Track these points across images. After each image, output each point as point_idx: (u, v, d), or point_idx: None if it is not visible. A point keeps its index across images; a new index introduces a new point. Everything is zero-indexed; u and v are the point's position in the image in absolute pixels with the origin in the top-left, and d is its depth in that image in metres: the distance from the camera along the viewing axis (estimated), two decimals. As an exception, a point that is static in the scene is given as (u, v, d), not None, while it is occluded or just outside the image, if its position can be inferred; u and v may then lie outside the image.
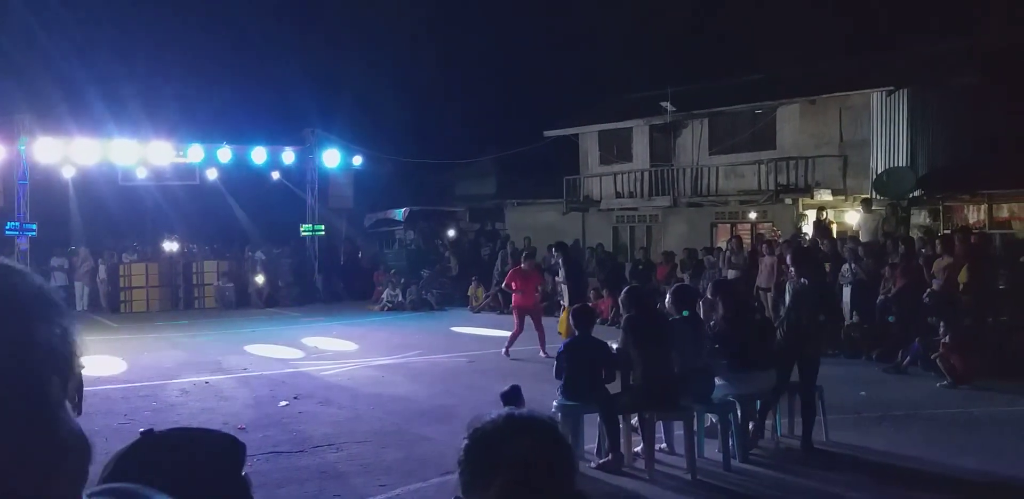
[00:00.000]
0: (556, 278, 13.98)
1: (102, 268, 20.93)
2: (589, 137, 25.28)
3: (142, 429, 1.50)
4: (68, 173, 20.66)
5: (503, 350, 13.00)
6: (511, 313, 13.99)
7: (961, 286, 11.69)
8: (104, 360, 12.77)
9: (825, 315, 7.59)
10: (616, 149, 24.61)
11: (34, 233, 19.38)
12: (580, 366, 7.08)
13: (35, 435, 0.89)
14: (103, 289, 21.00)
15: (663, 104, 22.21)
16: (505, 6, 32.57)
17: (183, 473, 1.43)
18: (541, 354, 12.68)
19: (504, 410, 1.54)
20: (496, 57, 33.37)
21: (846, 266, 13.59)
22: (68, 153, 19.30)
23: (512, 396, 6.92)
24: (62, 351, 0.93)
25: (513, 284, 13.31)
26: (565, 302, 13.42)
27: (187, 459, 1.45)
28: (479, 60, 33.78)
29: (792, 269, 7.63)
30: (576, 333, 12.24)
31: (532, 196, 26.18)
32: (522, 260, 13.97)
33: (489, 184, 29.27)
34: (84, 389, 10.25)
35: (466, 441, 1.49)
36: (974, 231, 14.81)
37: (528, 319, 13.10)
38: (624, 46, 31.30)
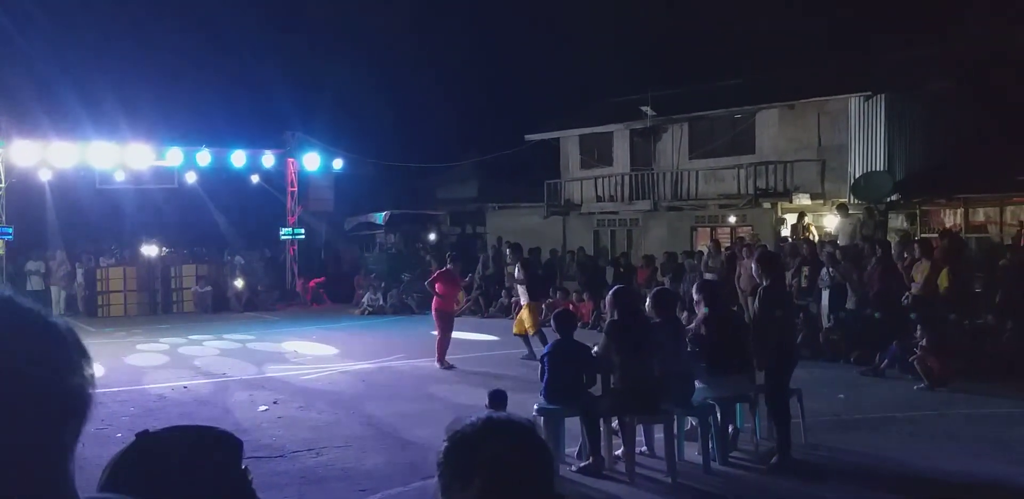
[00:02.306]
0: (515, 277, 13.64)
1: (79, 272, 20.74)
2: (570, 141, 25.34)
3: (138, 431, 1.49)
4: (45, 176, 20.49)
5: (438, 364, 12.23)
6: (498, 316, 13.90)
7: (941, 289, 11.79)
8: (81, 365, 12.64)
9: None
10: (597, 153, 24.68)
11: (10, 237, 19.19)
12: (562, 370, 7.09)
13: (44, 487, 0.93)
14: (80, 293, 20.80)
15: (643, 108, 22.30)
16: (487, 11, 32.61)
17: (183, 472, 1.42)
18: (444, 365, 12.22)
19: (483, 413, 1.54)
20: (478, 61, 33.40)
21: (824, 270, 13.69)
22: (45, 156, 19.13)
23: (497, 399, 6.97)
24: (85, 396, 0.98)
25: (438, 286, 12.46)
26: (523, 301, 13.11)
27: (186, 458, 1.45)
28: (461, 64, 33.80)
29: (757, 271, 7.57)
30: (534, 331, 12.40)
31: (513, 200, 26.20)
32: (448, 262, 13.20)
33: (470, 188, 29.25)
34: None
35: (445, 444, 1.49)
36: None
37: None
38: (605, 51, 31.40)
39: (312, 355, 14.01)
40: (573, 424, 7.09)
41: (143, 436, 1.48)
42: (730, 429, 7.53)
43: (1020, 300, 11.55)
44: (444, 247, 25.34)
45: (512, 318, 14.35)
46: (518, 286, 13.53)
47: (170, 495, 1.37)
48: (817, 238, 17.45)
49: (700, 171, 21.76)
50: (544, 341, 12.22)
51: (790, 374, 7.28)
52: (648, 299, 7.61)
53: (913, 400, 9.82)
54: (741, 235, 19.75)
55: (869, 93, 18.41)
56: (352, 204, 27.10)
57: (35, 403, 0.93)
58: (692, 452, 7.15)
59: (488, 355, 13.21)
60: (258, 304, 21.65)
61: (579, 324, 10.54)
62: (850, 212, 16.92)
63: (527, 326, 12.67)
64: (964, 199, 17.08)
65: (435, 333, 12.51)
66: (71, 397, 0.98)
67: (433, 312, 12.54)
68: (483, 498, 1.43)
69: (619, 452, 6.99)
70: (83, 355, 1.02)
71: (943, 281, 11.78)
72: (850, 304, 12.90)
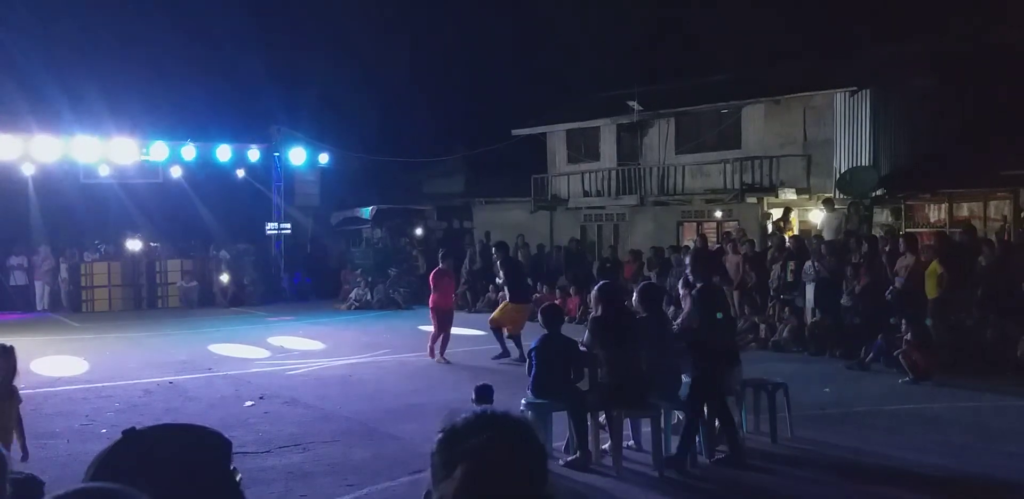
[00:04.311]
0: (497, 279, 13.82)
1: (63, 267, 20.60)
2: (557, 136, 25.33)
3: (124, 428, 1.48)
4: (28, 170, 20.32)
5: (434, 358, 12.46)
6: (485, 311, 13.93)
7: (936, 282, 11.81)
8: (65, 360, 12.59)
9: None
10: (584, 148, 24.68)
11: (-7, 232, 19.04)
12: (549, 364, 7.10)
13: None
14: (64, 288, 20.66)
15: (630, 103, 22.31)
16: (473, 5, 32.53)
17: (170, 470, 1.41)
18: (437, 359, 12.42)
19: (479, 407, 1.54)
20: (464, 55, 33.30)
21: (808, 263, 13.74)
22: (28, 150, 18.99)
23: (484, 393, 6.97)
24: None
25: (434, 284, 12.83)
26: (504, 299, 13.23)
27: (173, 455, 1.43)
28: (447, 58, 33.68)
29: (689, 270, 7.43)
30: (512, 332, 12.48)
31: (500, 194, 26.18)
32: (440, 260, 13.46)
33: (457, 182, 29.20)
34: (44, 390, 10.10)
35: (439, 435, 1.49)
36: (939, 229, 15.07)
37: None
38: (591, 46, 31.36)
39: (298, 350, 13.97)
40: (561, 419, 7.10)
41: (130, 433, 1.46)
42: (716, 423, 7.54)
43: (1002, 295, 11.63)
44: (431, 242, 25.29)
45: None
46: (504, 285, 13.65)
47: (156, 494, 1.36)
48: (797, 232, 17.54)
49: (686, 166, 21.80)
50: (518, 345, 12.33)
51: (719, 379, 7.09)
52: (635, 294, 7.62)
53: (898, 394, 9.89)
54: (727, 230, 19.80)
55: (854, 89, 18.47)
56: (338, 199, 26.99)
57: None
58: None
59: (475, 350, 13.20)
60: (244, 299, 21.57)
61: (566, 319, 10.55)
62: (835, 207, 16.99)
63: (502, 321, 12.70)
64: (948, 194, 17.17)
65: (430, 329, 12.80)
66: None
67: (430, 310, 12.80)
68: (464, 486, 1.42)
69: (606, 446, 7.01)
70: None
71: (933, 274, 11.80)
72: (845, 301, 12.93)
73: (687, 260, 7.83)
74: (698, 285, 7.30)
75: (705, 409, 7.26)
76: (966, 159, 16.53)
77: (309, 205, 25.68)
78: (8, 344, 5.66)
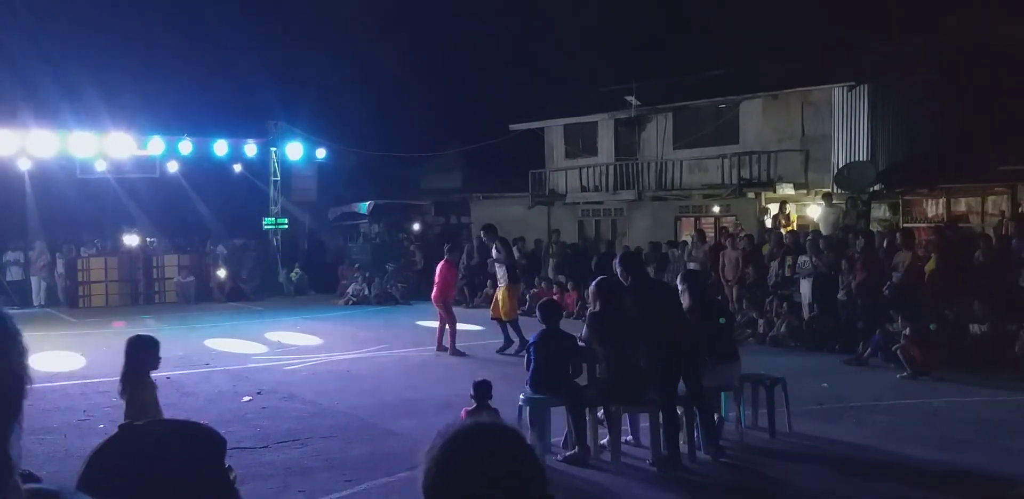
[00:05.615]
0: (495, 262, 13.71)
1: (60, 262, 20.56)
2: (554, 131, 25.30)
3: (121, 423, 1.47)
4: (24, 165, 20.29)
5: (448, 351, 12.54)
6: (483, 306, 13.95)
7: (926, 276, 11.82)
8: (62, 355, 12.56)
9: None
10: (581, 143, 24.65)
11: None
12: (548, 359, 7.09)
13: None
14: (61, 284, 20.63)
15: (628, 98, 22.27)
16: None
17: (164, 464, 1.40)
18: (451, 351, 12.50)
19: (457, 432, 1.42)
20: (461, 50, 33.23)
21: (803, 258, 13.72)
22: (24, 145, 18.94)
23: (482, 389, 6.96)
24: (23, 380, 0.99)
25: (440, 277, 12.98)
26: (503, 283, 13.08)
27: (167, 451, 1.42)
28: (444, 53, 33.60)
29: (619, 271, 7.30)
30: (508, 317, 12.51)
31: (498, 190, 26.14)
32: (447, 253, 13.64)
33: (454, 178, 29.18)
34: (41, 385, 10.09)
35: (424, 477, 1.40)
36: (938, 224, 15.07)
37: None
38: (589, 40, 31.32)
39: (296, 345, 13.96)
40: (559, 414, 7.10)
41: (126, 428, 1.45)
42: (715, 418, 7.55)
43: (1000, 290, 11.63)
44: (428, 237, 25.27)
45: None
46: (497, 269, 13.46)
47: (147, 488, 1.34)
48: (795, 227, 17.53)
49: (684, 161, 21.77)
50: (517, 329, 12.39)
51: (678, 378, 6.94)
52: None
53: (896, 389, 9.90)
54: (725, 225, 19.80)
55: (852, 83, 18.44)
56: (335, 194, 26.98)
57: None
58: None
59: (473, 345, 13.19)
60: (241, 294, 21.53)
61: (564, 314, 10.54)
62: (834, 202, 16.99)
63: (503, 311, 12.70)
64: (946, 189, 17.17)
65: (429, 325, 12.82)
66: (16, 381, 0.98)
67: (439, 303, 12.84)
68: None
69: (604, 441, 7.01)
70: (15, 334, 1.02)
71: (930, 267, 11.81)
72: (842, 296, 12.92)
73: (616, 265, 7.53)
74: (627, 283, 7.12)
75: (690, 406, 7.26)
76: (964, 154, 16.53)
77: (306, 200, 25.67)
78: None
